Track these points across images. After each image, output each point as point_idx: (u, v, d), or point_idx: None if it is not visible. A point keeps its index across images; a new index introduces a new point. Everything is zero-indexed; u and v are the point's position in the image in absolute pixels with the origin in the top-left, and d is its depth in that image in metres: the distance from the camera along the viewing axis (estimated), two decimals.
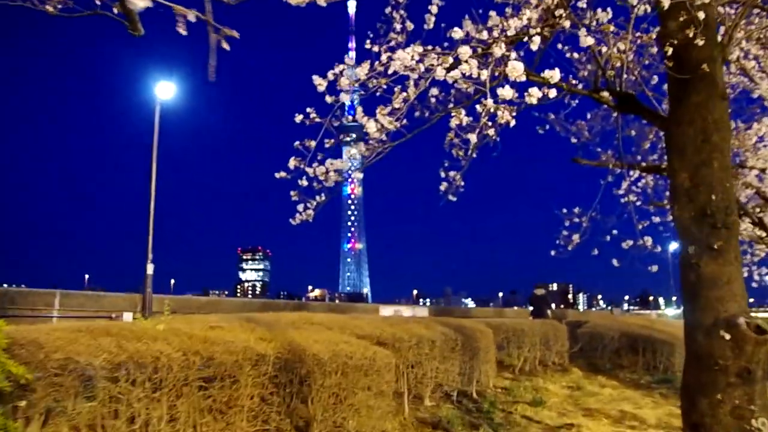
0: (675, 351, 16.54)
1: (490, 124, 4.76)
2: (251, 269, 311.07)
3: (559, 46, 7.21)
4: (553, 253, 9.56)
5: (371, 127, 6.14)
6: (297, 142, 6.18)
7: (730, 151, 5.86)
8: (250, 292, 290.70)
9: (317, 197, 6.73)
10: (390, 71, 5.51)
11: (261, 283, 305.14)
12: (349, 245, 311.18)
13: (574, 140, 10.99)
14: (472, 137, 5.17)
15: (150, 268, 14.75)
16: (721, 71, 5.88)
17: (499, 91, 4.77)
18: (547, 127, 8.90)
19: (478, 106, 4.85)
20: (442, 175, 7.85)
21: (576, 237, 9.42)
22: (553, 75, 5.21)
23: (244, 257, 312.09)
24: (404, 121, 5.82)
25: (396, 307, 21.02)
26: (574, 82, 7.20)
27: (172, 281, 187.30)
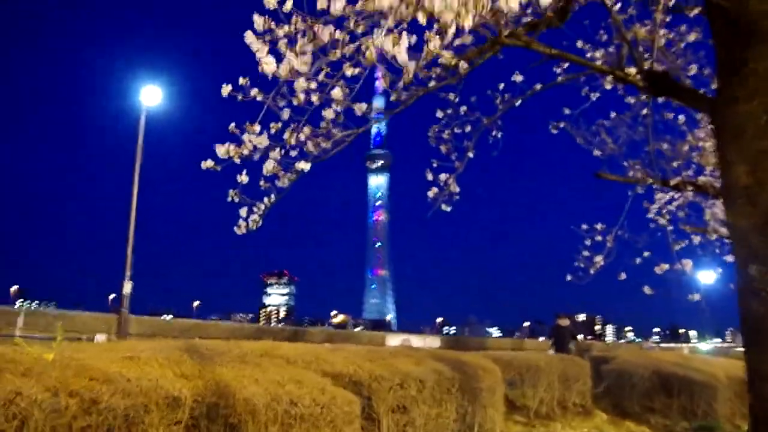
0: (717, 395, 14.57)
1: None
2: (276, 293, 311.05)
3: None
4: (569, 278, 8.06)
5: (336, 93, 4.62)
6: (232, 124, 4.72)
7: None
8: (273, 317, 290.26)
9: (265, 199, 5.33)
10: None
11: (286, 307, 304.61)
12: (373, 271, 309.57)
13: (597, 153, 9.52)
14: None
15: (127, 287, 13.48)
16: None
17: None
18: (562, 124, 7.45)
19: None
20: (429, 177, 6.42)
21: (599, 259, 7.89)
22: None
23: (269, 281, 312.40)
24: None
25: (405, 336, 19.46)
26: (590, 56, 5.74)
27: (196, 303, 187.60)
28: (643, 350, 35.31)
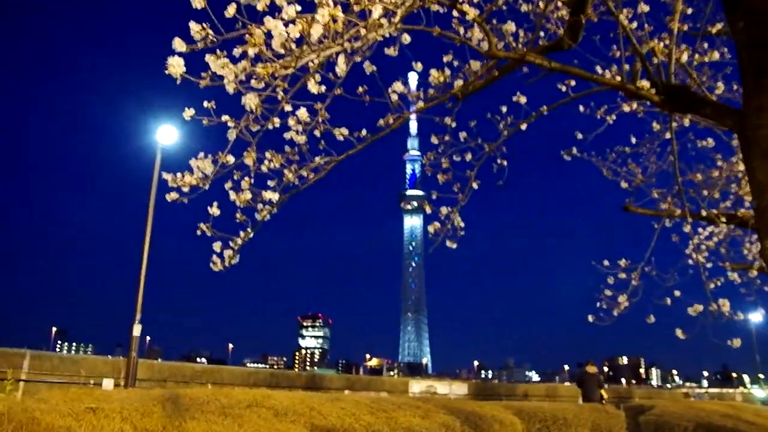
0: None
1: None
2: (311, 336, 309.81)
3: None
4: (591, 319, 7.33)
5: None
6: (200, 156, 4.25)
7: None
8: (308, 359, 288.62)
9: (241, 233, 4.84)
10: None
11: (320, 350, 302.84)
12: (408, 314, 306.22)
13: (624, 185, 8.89)
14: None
15: (137, 330, 13.07)
16: None
17: None
18: (574, 150, 6.86)
19: None
20: (428, 210, 5.87)
21: (623, 299, 7.16)
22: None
23: (305, 324, 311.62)
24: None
25: (430, 382, 18.53)
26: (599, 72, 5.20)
27: (230, 346, 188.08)
28: (688, 398, 33.39)
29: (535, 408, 11.25)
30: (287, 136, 3.79)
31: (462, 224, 5.88)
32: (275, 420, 5.85)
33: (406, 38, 4.50)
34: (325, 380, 16.85)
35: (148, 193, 14.42)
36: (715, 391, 69.86)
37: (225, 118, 3.98)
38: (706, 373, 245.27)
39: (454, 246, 6.01)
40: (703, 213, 7.42)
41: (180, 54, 2.83)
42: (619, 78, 5.00)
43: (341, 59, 3.52)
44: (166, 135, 15.41)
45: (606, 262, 7.04)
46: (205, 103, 4.02)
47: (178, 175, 3.74)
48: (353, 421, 6.41)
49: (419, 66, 4.78)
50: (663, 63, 5.18)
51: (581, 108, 6.91)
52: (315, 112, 3.81)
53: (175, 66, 2.69)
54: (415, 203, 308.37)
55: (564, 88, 4.99)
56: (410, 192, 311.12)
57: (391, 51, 4.45)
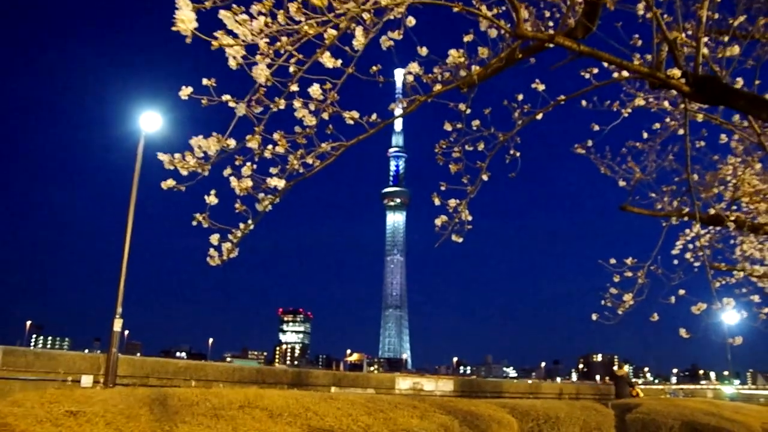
0: None
1: None
2: (292, 331, 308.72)
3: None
4: (594, 317, 7.15)
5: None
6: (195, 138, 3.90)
7: None
8: (288, 354, 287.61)
9: (241, 225, 4.50)
10: None
11: (300, 345, 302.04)
12: (389, 310, 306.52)
13: (622, 183, 8.70)
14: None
15: (117, 325, 12.55)
16: None
17: None
18: (590, 143, 6.62)
19: None
20: (437, 202, 5.57)
21: (628, 297, 6.98)
22: None
23: (285, 318, 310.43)
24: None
25: (416, 379, 18.30)
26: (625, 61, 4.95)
27: (211, 340, 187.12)
28: (667, 396, 33.70)
29: (528, 406, 11.04)
30: (299, 115, 3.45)
31: (470, 218, 5.61)
32: (270, 422, 5.52)
33: (411, 21, 4.21)
34: (311, 377, 16.49)
35: (131, 183, 13.87)
36: (689, 388, 70.81)
37: (226, 97, 3.64)
38: (675, 370, 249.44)
39: (461, 240, 5.73)
40: (711, 212, 7.22)
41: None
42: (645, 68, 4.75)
43: (359, 31, 3.20)
44: (149, 122, 14.84)
45: (612, 260, 6.83)
46: (205, 81, 3.67)
47: (176, 156, 3.37)
48: (351, 422, 6.11)
49: (424, 51, 4.49)
50: (688, 57, 4.97)
51: (584, 103, 6.67)
52: (324, 88, 3.48)
53: (185, 21, 2.33)
54: (397, 200, 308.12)
55: (587, 75, 4.72)
56: (393, 188, 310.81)
57: (395, 35, 4.16)
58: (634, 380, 25.95)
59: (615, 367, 23.55)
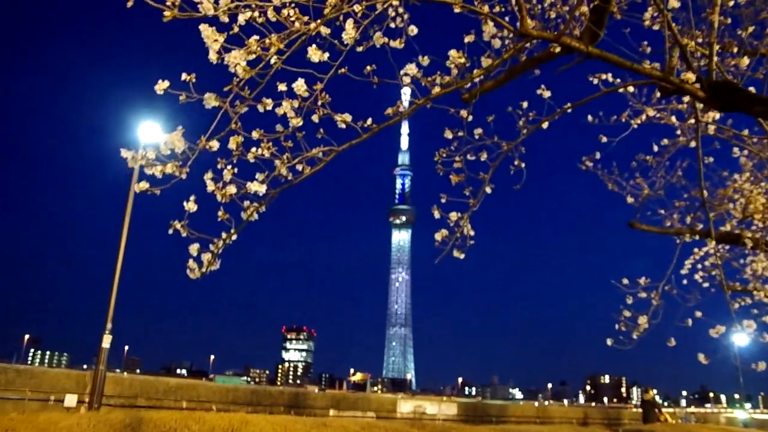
0: None
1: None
2: (295, 349, 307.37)
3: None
4: (609, 342, 6.80)
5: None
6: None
7: None
8: (291, 373, 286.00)
9: (223, 234, 4.18)
10: None
11: (303, 364, 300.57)
12: (394, 329, 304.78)
13: (630, 200, 8.43)
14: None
15: (106, 341, 12.11)
16: None
17: None
18: (598, 155, 6.31)
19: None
20: (437, 215, 5.28)
21: (643, 320, 6.63)
22: None
23: (289, 336, 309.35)
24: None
25: (418, 402, 17.79)
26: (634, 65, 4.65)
27: (212, 357, 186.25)
28: (679, 421, 32.90)
29: None
30: (280, 111, 3.14)
31: (472, 232, 5.28)
32: None
33: (413, 30, 3.96)
34: (309, 398, 15.94)
35: (127, 194, 13.56)
36: (701, 413, 69.58)
37: (208, 95, 3.34)
38: (684, 393, 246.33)
39: (462, 256, 5.40)
40: (728, 228, 6.87)
41: None
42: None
43: (349, 24, 2.91)
44: (148, 132, 14.59)
45: (625, 280, 6.48)
46: (184, 75, 3.37)
47: (140, 152, 3.05)
48: None
49: (425, 60, 4.22)
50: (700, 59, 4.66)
51: (590, 118, 6.37)
52: (313, 89, 3.17)
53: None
54: (403, 217, 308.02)
55: (595, 81, 4.42)
56: (399, 206, 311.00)
57: (396, 44, 3.88)
58: (660, 403, 27.27)
59: (644, 394, 25.78)
